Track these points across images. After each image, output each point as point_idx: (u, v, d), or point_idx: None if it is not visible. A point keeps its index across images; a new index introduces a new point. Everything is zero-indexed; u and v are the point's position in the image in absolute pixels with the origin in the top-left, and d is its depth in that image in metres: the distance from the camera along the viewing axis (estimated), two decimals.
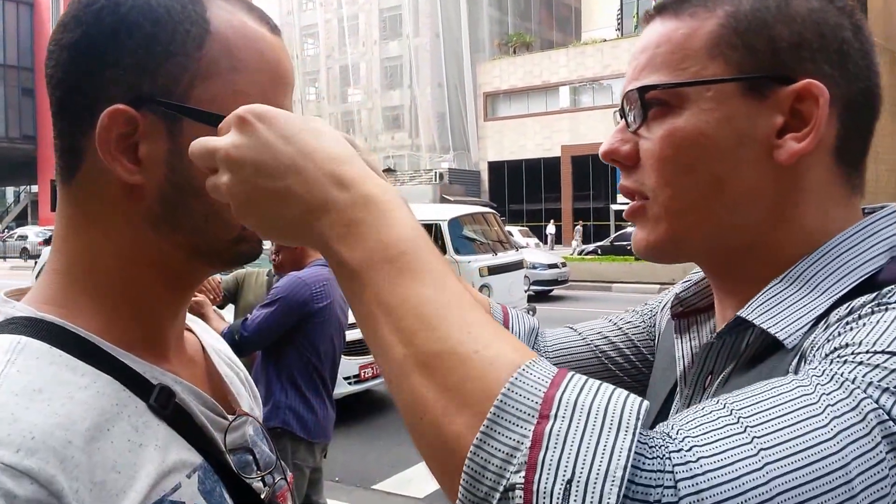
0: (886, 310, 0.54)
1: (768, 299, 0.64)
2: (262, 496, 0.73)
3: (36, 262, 8.50)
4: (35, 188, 44.92)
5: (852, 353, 0.51)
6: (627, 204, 0.72)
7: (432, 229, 9.11)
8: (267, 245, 3.24)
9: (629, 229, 22.55)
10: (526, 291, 10.53)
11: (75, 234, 0.67)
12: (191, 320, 0.82)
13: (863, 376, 0.49)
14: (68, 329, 0.63)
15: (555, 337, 0.96)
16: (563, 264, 15.56)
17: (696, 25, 0.66)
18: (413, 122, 38.91)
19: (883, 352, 0.50)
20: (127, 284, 0.67)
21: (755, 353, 0.65)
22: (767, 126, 0.64)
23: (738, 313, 0.64)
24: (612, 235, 23.85)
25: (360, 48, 40.60)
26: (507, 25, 39.03)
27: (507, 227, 13.34)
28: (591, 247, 22.96)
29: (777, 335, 0.61)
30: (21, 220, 46.92)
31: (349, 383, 6.29)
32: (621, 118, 0.72)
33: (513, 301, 9.55)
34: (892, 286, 0.57)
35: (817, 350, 0.55)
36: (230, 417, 0.73)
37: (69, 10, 0.65)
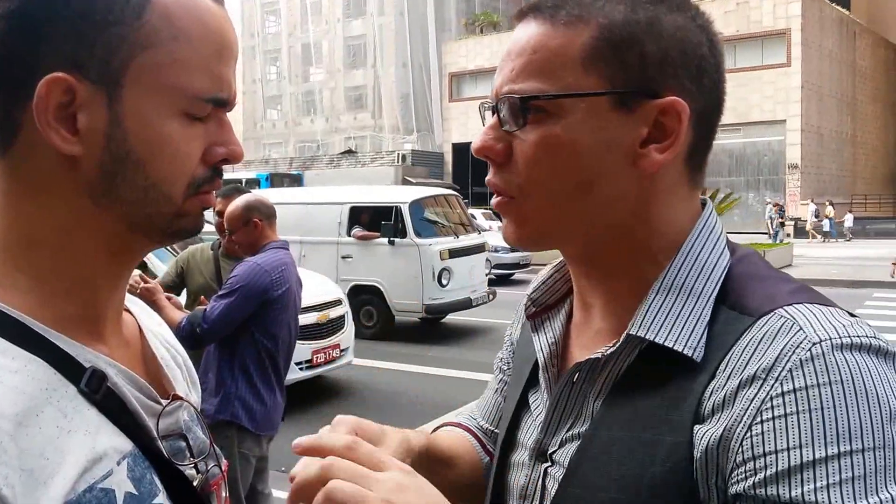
0: (803, 400, 0.60)
1: (656, 313, 0.71)
2: (195, 483, 0.73)
3: None
4: None
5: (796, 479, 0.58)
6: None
7: (392, 212, 8.98)
8: (209, 217, 3.11)
9: None
10: (487, 275, 10.46)
11: (11, 208, 0.65)
12: (131, 301, 0.81)
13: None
14: (1, 309, 0.62)
15: (482, 413, 1.04)
16: None
17: (572, 36, 0.70)
18: (376, 102, 38.54)
19: (824, 459, 0.57)
20: (64, 259, 0.66)
21: (635, 363, 0.72)
22: (633, 136, 0.70)
23: (628, 332, 0.71)
24: None
25: (323, 26, 39.98)
26: (473, 4, 38.73)
27: (471, 210, 13.25)
28: None
29: (685, 351, 0.68)
30: None
31: (300, 369, 6.15)
32: (493, 115, 0.75)
33: (473, 285, 9.50)
34: (795, 355, 0.61)
35: (740, 443, 0.61)
36: (164, 402, 0.72)
37: None
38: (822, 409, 0.58)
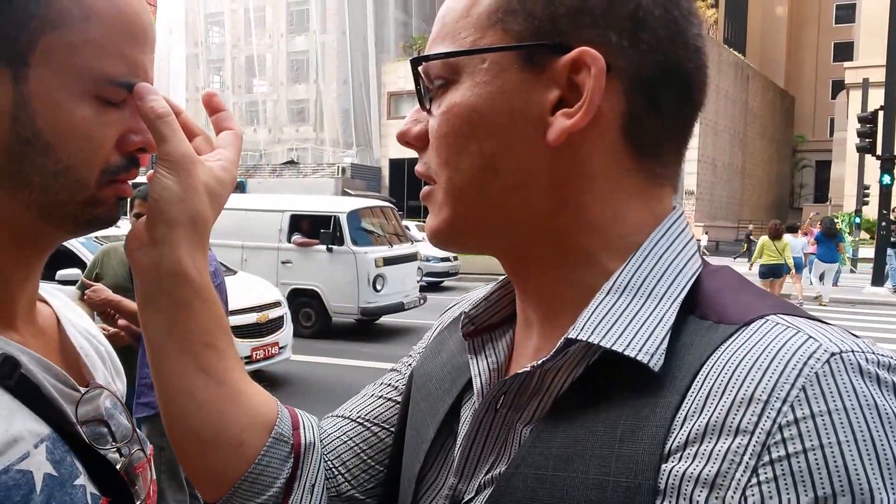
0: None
1: (604, 314, 0.55)
2: (118, 466, 0.70)
3: None
4: None
5: None
6: None
7: (331, 221, 9.20)
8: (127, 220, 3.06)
9: None
10: (418, 282, 10.77)
11: None
12: (48, 293, 0.78)
13: None
14: None
15: (327, 435, 0.79)
16: (455, 258, 15.93)
17: None
18: (318, 116, 38.42)
19: None
20: None
21: (582, 378, 0.56)
22: (541, 101, 0.56)
23: (567, 335, 0.55)
24: None
25: (267, 40, 39.68)
26: (411, 28, 39.14)
27: (405, 222, 13.56)
28: None
29: (639, 357, 0.52)
30: None
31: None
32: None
33: (406, 290, 9.80)
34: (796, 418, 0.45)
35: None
36: (83, 390, 0.70)
37: None
38: (855, 440, 0.42)
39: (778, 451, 0.44)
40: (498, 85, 0.57)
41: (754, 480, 0.44)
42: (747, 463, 0.44)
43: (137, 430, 0.78)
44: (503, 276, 0.70)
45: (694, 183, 30.58)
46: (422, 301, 10.26)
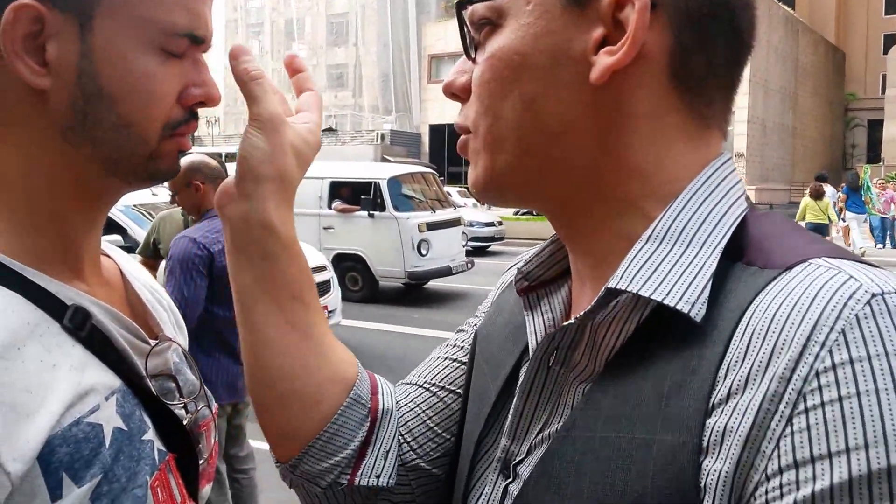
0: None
1: (643, 263, 0.54)
2: (185, 423, 0.70)
3: None
4: None
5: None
6: None
7: (371, 187, 9.14)
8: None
9: None
10: (463, 246, 10.75)
11: None
12: (107, 247, 0.78)
13: None
14: None
15: (400, 401, 0.79)
16: (500, 223, 15.93)
17: None
18: (357, 81, 38.30)
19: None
20: (37, 199, 0.63)
21: (637, 332, 0.54)
22: (585, 41, 0.55)
23: (607, 285, 0.54)
24: None
25: (307, 2, 39.54)
26: None
27: (447, 188, 13.45)
28: (525, 208, 23.20)
29: (678, 307, 0.50)
30: None
31: None
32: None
33: (452, 255, 9.75)
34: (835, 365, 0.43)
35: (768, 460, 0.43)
36: (152, 342, 0.70)
37: None
38: (895, 388, 0.40)
39: (813, 400, 0.42)
40: (542, 25, 0.56)
41: (788, 430, 0.43)
42: (783, 412, 0.43)
43: (204, 386, 0.78)
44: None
45: (744, 145, 29.54)
46: (469, 265, 10.20)
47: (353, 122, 37.32)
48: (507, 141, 0.59)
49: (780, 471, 0.42)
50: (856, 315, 0.43)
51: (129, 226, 5.69)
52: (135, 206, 5.90)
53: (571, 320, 0.57)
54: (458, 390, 0.77)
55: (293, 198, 0.69)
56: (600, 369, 0.56)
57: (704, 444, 0.46)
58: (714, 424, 0.46)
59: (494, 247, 15.85)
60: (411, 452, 0.75)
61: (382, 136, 30.84)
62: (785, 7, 34.21)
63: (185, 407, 0.73)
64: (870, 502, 0.40)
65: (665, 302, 0.51)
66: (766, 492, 0.43)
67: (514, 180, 0.60)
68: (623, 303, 0.55)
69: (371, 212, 9.13)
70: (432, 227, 9.41)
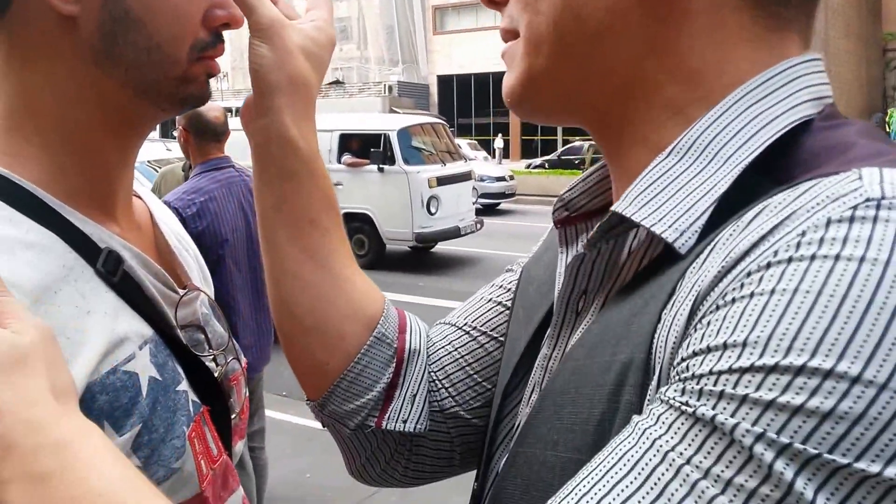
0: (781, 275, 0.36)
1: (651, 183, 0.48)
2: (216, 375, 0.70)
3: None
4: None
5: (719, 374, 0.36)
6: None
7: (381, 139, 8.91)
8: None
9: (576, 143, 22.60)
10: (474, 204, 10.49)
11: (13, 76, 0.62)
12: (139, 188, 0.77)
13: (738, 428, 0.34)
14: (13, 180, 0.59)
15: (432, 344, 0.74)
16: (511, 177, 15.61)
17: None
18: (361, 34, 37.65)
19: (766, 369, 0.34)
20: (70, 127, 0.63)
21: (649, 264, 0.49)
22: None
23: (612, 208, 0.49)
24: (560, 150, 23.85)
25: None
26: None
27: (457, 140, 13.18)
28: (538, 160, 22.97)
29: (664, 235, 0.45)
30: None
31: None
32: None
33: (461, 213, 9.52)
34: (811, 227, 0.37)
35: (696, 337, 0.39)
36: (181, 291, 0.69)
37: None
38: (818, 293, 0.34)
39: (741, 291, 0.37)
40: None
41: (701, 323, 0.39)
42: (710, 304, 0.39)
43: (233, 338, 0.77)
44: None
45: None
46: (478, 226, 9.87)
47: (359, 75, 36.84)
48: (544, 42, 0.52)
49: (682, 360, 0.39)
50: (828, 217, 0.36)
51: (143, 182, 5.58)
52: (149, 162, 5.80)
53: (581, 249, 0.53)
54: (501, 337, 0.72)
55: (313, 105, 0.66)
56: (603, 302, 0.53)
57: (654, 357, 0.42)
58: (658, 333, 0.42)
59: (505, 205, 15.44)
60: (450, 399, 0.71)
61: (390, 88, 30.43)
62: None
63: (214, 359, 0.72)
64: (734, 391, 0.35)
65: (652, 229, 0.46)
66: (669, 378, 0.40)
67: (552, 87, 0.54)
68: (641, 233, 0.50)
69: (381, 165, 8.89)
70: (442, 181, 9.17)
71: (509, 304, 0.73)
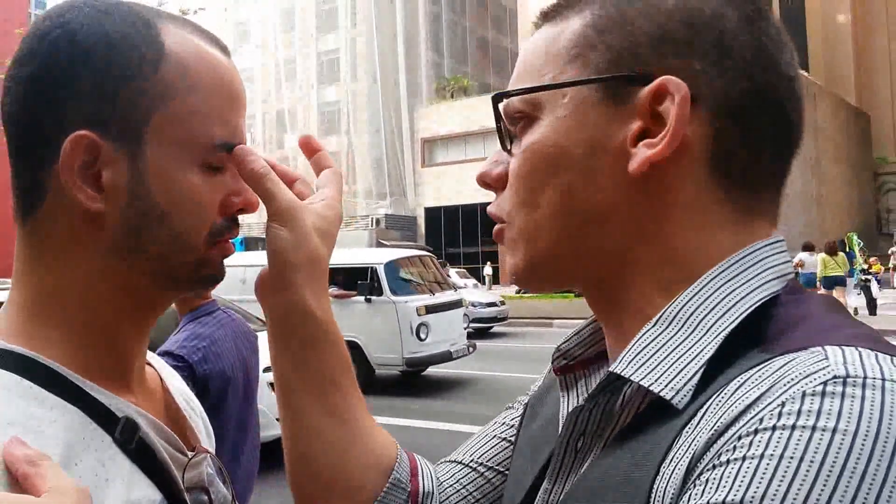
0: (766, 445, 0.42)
1: (643, 348, 0.54)
2: None
3: None
4: None
5: None
6: None
7: (367, 272, 8.98)
8: None
9: None
10: (465, 328, 10.49)
11: (40, 267, 0.66)
12: (149, 356, 0.80)
13: None
14: (37, 360, 0.62)
15: (444, 481, 0.79)
16: (502, 302, 15.77)
17: (562, 28, 0.60)
18: (350, 168, 38.85)
19: None
20: (93, 314, 0.66)
21: (640, 412, 0.54)
22: (623, 133, 0.56)
23: (609, 368, 0.55)
24: None
25: (298, 92, 40.55)
26: (443, 68, 39.62)
27: (446, 269, 13.30)
28: None
29: (662, 393, 0.51)
30: None
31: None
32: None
33: (453, 338, 9.45)
34: (787, 401, 0.43)
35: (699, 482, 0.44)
36: (189, 454, 0.72)
37: (23, 45, 0.64)
38: (800, 460, 0.41)
39: (727, 456, 0.43)
40: (578, 118, 0.57)
41: (697, 481, 0.44)
42: (701, 469, 0.45)
43: (235, 499, 0.79)
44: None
45: None
46: (471, 349, 9.85)
47: (346, 209, 37.64)
48: (544, 230, 0.60)
49: None
50: (803, 392, 0.43)
51: None
52: None
53: (581, 403, 0.58)
54: (505, 471, 0.77)
55: (326, 278, 0.71)
56: (601, 451, 0.57)
57: None
58: (657, 488, 0.47)
59: (497, 328, 15.64)
60: None
61: (377, 221, 31.07)
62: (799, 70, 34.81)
63: None
64: None
65: (651, 388, 0.52)
66: None
67: (553, 267, 0.62)
68: (633, 387, 0.55)
69: (368, 296, 8.90)
70: (432, 309, 9.17)
71: (512, 439, 0.78)
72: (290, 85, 40.70)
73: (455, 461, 0.80)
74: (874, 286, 15.34)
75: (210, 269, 0.69)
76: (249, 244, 20.15)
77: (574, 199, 0.58)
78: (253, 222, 36.35)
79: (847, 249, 15.64)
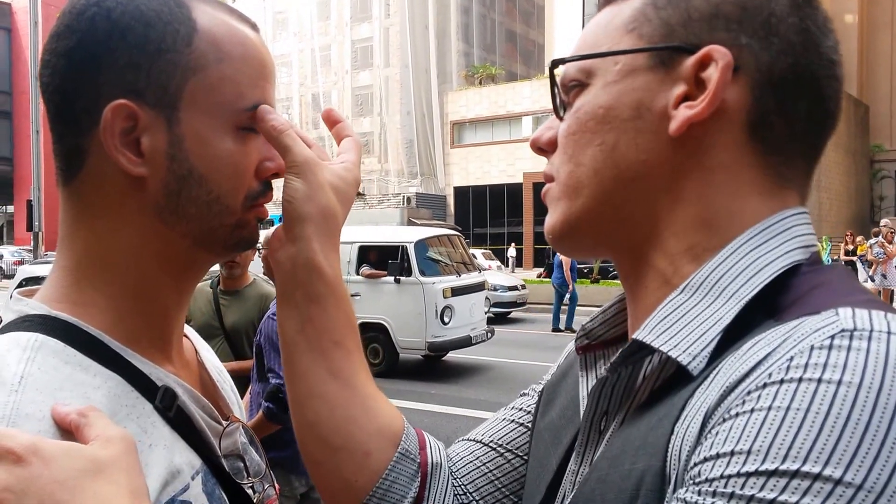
0: (775, 396, 0.43)
1: (667, 315, 0.55)
2: (254, 501, 0.73)
3: (19, 281, 8.13)
4: (10, 209, 43.82)
5: (729, 477, 0.43)
6: None
7: (398, 251, 9.06)
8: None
9: None
10: (486, 313, 10.43)
11: (82, 231, 0.67)
12: (186, 329, 0.82)
13: None
14: (80, 328, 0.63)
15: (460, 458, 0.78)
16: (523, 286, 15.60)
17: (623, 7, 0.62)
18: (382, 148, 38.96)
19: (769, 472, 0.41)
20: (135, 278, 0.67)
21: (661, 385, 0.55)
22: (667, 97, 0.57)
23: (633, 335, 0.56)
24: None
25: (332, 77, 40.64)
26: (472, 58, 39.40)
27: (471, 250, 13.36)
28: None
29: (679, 358, 0.52)
30: None
31: None
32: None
33: (473, 322, 9.49)
34: (798, 354, 0.44)
35: (706, 447, 0.45)
36: (224, 423, 0.73)
37: (61, 20, 0.65)
38: (805, 411, 0.42)
39: (738, 409, 0.44)
40: (627, 83, 0.59)
41: (709, 434, 0.45)
42: (716, 420, 0.46)
43: (269, 467, 0.80)
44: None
45: None
46: (489, 335, 9.81)
47: (379, 187, 37.79)
48: (585, 187, 0.61)
49: (695, 465, 0.45)
50: (811, 345, 0.44)
51: None
52: None
53: (603, 372, 0.59)
54: (523, 455, 0.77)
55: (338, 236, 0.71)
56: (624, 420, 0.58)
57: (668, 466, 0.48)
58: (672, 444, 0.49)
59: (516, 313, 15.46)
60: None
61: (408, 199, 31.10)
62: None
63: (251, 487, 0.75)
64: (742, 492, 0.42)
65: (669, 353, 0.53)
66: (684, 482, 0.46)
67: (589, 226, 0.62)
68: (653, 363, 0.56)
69: (398, 277, 8.96)
70: (457, 292, 9.17)
71: (529, 425, 0.78)
72: (325, 70, 40.76)
73: (474, 440, 0.79)
74: (860, 268, 14.26)
75: (246, 231, 0.70)
76: None
77: (616, 157, 0.59)
78: None
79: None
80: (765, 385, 0.44)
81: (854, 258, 14.85)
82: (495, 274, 15.93)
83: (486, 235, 33.56)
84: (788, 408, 0.42)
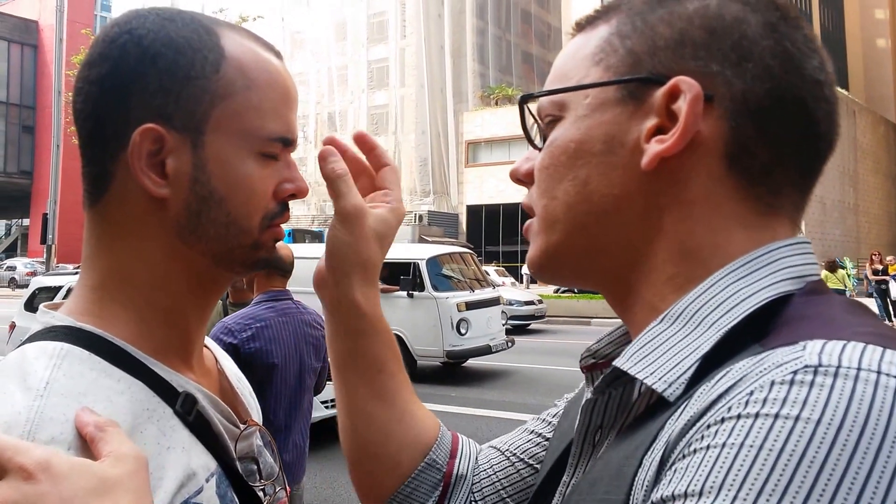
0: (730, 432, 0.41)
1: (645, 343, 0.53)
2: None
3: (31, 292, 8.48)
4: (27, 221, 44.20)
5: None
6: None
7: (410, 268, 8.90)
8: None
9: None
10: (504, 325, 10.45)
11: (106, 251, 0.68)
12: (206, 339, 0.83)
13: None
14: (104, 337, 0.64)
15: (482, 464, 0.79)
16: (540, 301, 15.52)
17: (591, 36, 0.60)
18: (397, 166, 38.98)
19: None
20: (158, 295, 0.68)
21: (650, 405, 0.53)
22: (638, 130, 0.55)
23: (613, 363, 0.54)
24: None
25: (349, 96, 40.77)
26: (488, 78, 39.43)
27: (484, 267, 13.17)
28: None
29: (654, 386, 0.50)
30: (10, 251, 46.16)
31: (326, 407, 6.00)
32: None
33: (492, 334, 9.44)
34: (757, 385, 0.42)
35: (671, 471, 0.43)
36: (241, 427, 0.75)
37: (94, 49, 0.67)
38: (759, 448, 0.39)
39: (689, 448, 0.43)
40: (597, 117, 0.58)
41: (667, 471, 0.44)
42: (676, 455, 0.44)
43: (282, 470, 0.83)
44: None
45: (801, 222, 28.97)
46: (510, 344, 9.81)
47: None
48: (559, 221, 0.60)
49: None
50: (772, 380, 0.42)
51: None
52: None
53: (589, 395, 0.60)
54: (535, 465, 0.77)
55: (377, 278, 0.74)
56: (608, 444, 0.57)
57: (631, 500, 0.46)
58: (638, 476, 0.47)
59: (535, 325, 15.54)
60: None
61: (420, 217, 31.02)
62: (839, 89, 34.25)
63: (262, 489, 0.76)
64: None
65: (645, 381, 0.51)
66: None
67: (567, 258, 0.61)
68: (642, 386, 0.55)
69: (410, 291, 8.84)
70: (471, 306, 9.15)
71: (549, 435, 0.78)
72: (341, 89, 40.93)
73: (495, 447, 0.81)
74: (893, 286, 14.57)
75: (263, 251, 0.71)
76: (297, 236, 20.26)
77: (588, 192, 0.58)
78: (301, 214, 36.71)
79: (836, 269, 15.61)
80: (723, 420, 0.42)
81: (886, 277, 15.13)
82: (510, 290, 15.87)
83: (498, 253, 33.32)
84: (742, 444, 0.40)
